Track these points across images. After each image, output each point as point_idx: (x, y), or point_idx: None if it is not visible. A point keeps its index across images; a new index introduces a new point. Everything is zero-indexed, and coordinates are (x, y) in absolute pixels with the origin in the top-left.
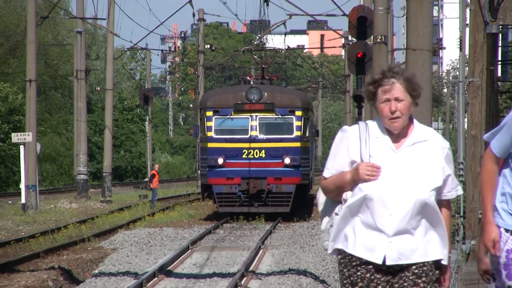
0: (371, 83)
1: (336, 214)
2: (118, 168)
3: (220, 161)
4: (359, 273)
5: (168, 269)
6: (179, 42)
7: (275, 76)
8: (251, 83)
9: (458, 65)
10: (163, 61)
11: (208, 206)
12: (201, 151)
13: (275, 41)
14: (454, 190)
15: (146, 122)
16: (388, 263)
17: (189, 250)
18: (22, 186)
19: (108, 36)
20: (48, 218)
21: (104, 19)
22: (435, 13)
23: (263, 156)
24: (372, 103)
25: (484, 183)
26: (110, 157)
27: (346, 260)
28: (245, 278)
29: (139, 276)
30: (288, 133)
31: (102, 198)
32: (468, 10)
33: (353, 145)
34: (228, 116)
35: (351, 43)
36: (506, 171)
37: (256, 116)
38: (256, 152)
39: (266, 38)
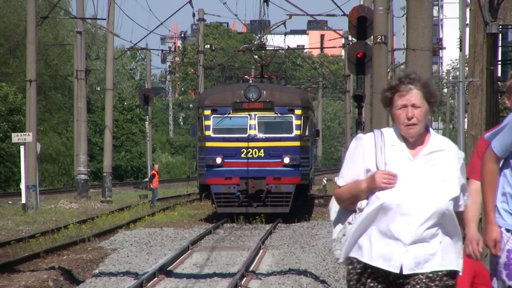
0: (388, 89)
1: (350, 223)
2: (118, 168)
3: (218, 160)
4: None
5: (168, 269)
6: (179, 42)
7: (274, 75)
8: (250, 81)
9: (458, 65)
10: (163, 61)
11: (208, 206)
12: (199, 151)
13: (275, 41)
14: (466, 200)
15: (146, 122)
16: (405, 272)
17: (189, 250)
18: (22, 186)
19: (108, 36)
20: (48, 218)
21: (104, 19)
22: (435, 13)
23: (262, 156)
24: (388, 110)
25: (485, 183)
26: (110, 157)
27: (357, 271)
28: (245, 278)
29: (139, 276)
30: (287, 132)
31: (102, 198)
32: (468, 10)
33: (368, 153)
34: (227, 115)
35: (351, 43)
36: (506, 171)
37: (255, 115)
38: (255, 152)
39: (266, 38)
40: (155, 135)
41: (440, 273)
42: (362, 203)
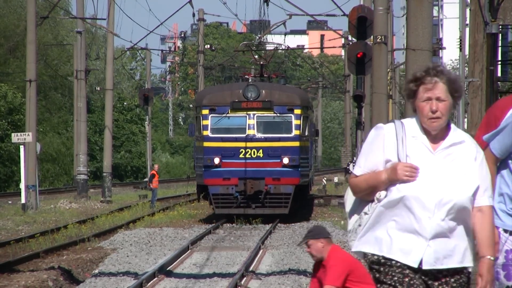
0: (413, 80)
1: (366, 213)
2: (118, 168)
3: (217, 161)
4: (395, 278)
5: (168, 269)
6: (179, 42)
7: (274, 74)
8: (249, 81)
9: (458, 65)
10: (163, 61)
11: (208, 206)
12: (196, 151)
13: (275, 41)
14: (489, 197)
15: (146, 122)
16: (424, 267)
17: (189, 250)
18: (22, 186)
19: (108, 36)
20: (48, 218)
21: (104, 19)
22: (435, 13)
23: (261, 156)
24: (411, 102)
25: None
26: (110, 157)
27: (377, 258)
28: (245, 278)
29: (139, 276)
30: (286, 132)
31: (102, 198)
32: (468, 10)
33: (389, 143)
34: (225, 115)
35: (351, 43)
36: (504, 171)
37: (254, 114)
38: (254, 152)
39: (266, 38)
40: (154, 135)
41: (462, 281)
42: (381, 194)
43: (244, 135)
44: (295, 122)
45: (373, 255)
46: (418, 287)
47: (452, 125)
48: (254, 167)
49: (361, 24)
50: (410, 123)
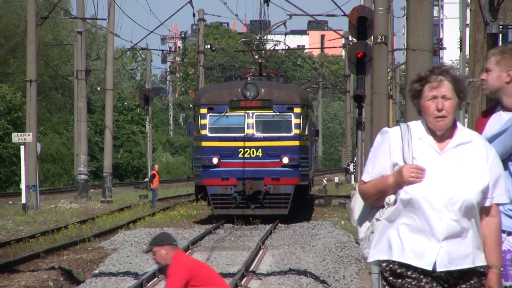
0: (418, 80)
1: (377, 219)
2: (119, 168)
3: (215, 160)
4: (407, 285)
5: None
6: (179, 42)
7: (273, 73)
8: (248, 79)
9: (458, 65)
10: (164, 61)
11: (207, 206)
12: (194, 150)
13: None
14: (499, 197)
15: (147, 123)
16: (438, 269)
17: (190, 250)
18: (23, 186)
19: (108, 36)
20: (49, 218)
21: (104, 19)
22: (435, 13)
23: (260, 156)
24: (415, 102)
25: None
26: (111, 157)
27: (392, 268)
28: (245, 278)
29: (139, 276)
30: (286, 131)
31: (102, 198)
32: (468, 10)
33: (395, 147)
34: (223, 114)
35: (351, 43)
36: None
37: (253, 113)
38: (253, 151)
39: (267, 40)
40: (155, 135)
41: (476, 271)
42: (390, 198)
43: (243, 135)
44: (294, 121)
45: (387, 265)
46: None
47: (459, 125)
48: (253, 167)
49: (361, 24)
50: (416, 125)
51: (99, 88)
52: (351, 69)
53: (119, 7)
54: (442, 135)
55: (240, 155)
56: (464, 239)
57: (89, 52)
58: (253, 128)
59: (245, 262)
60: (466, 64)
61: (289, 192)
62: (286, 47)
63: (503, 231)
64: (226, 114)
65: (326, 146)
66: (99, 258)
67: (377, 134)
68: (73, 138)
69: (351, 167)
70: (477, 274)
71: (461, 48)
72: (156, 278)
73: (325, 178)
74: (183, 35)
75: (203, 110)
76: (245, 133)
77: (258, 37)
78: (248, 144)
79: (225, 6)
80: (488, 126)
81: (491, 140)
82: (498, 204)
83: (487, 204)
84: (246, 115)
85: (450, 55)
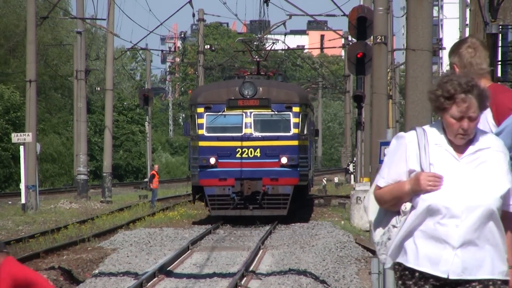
0: (446, 97)
1: (394, 226)
2: (118, 168)
3: (212, 160)
4: None
5: (168, 269)
6: (179, 43)
7: (271, 72)
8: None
9: None
10: (163, 61)
11: None
12: (192, 150)
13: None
14: None
15: (146, 123)
16: (451, 277)
17: (189, 250)
18: (22, 186)
19: (108, 36)
20: (48, 218)
21: (104, 19)
22: (435, 13)
23: (258, 156)
24: (437, 112)
25: None
26: (110, 158)
27: (407, 274)
28: (245, 278)
29: (139, 276)
30: (285, 130)
31: (102, 198)
32: (468, 10)
33: (411, 153)
34: (221, 113)
35: (351, 43)
36: None
37: (251, 112)
38: (251, 151)
39: (266, 39)
40: (155, 135)
41: (491, 282)
42: (406, 206)
43: (241, 134)
44: (293, 120)
45: (403, 269)
46: None
47: (478, 129)
48: (251, 167)
49: (361, 24)
50: (432, 130)
51: (98, 88)
52: (350, 69)
53: (119, 7)
54: None
55: (238, 155)
56: (481, 249)
57: (89, 52)
58: (251, 127)
59: (245, 262)
60: None
61: (288, 192)
62: (286, 46)
63: None
64: (223, 113)
65: (326, 147)
66: (99, 258)
67: (377, 134)
68: (73, 138)
69: (351, 167)
70: (498, 283)
71: None
72: (156, 278)
73: (325, 178)
74: (182, 35)
75: (200, 109)
76: (243, 133)
77: (258, 37)
78: (246, 143)
79: (224, 6)
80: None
81: None
82: None
83: (508, 209)
84: (244, 114)
85: None
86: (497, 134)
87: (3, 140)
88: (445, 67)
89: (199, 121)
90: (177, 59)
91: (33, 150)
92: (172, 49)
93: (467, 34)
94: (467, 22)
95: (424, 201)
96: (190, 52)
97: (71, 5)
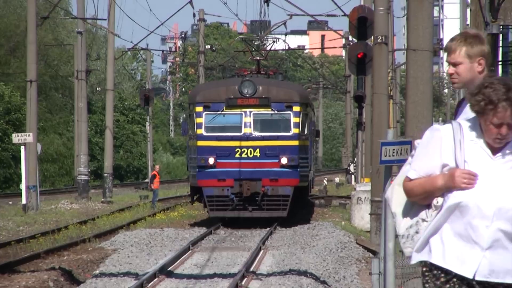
0: (487, 102)
1: (424, 220)
2: (119, 169)
3: (211, 161)
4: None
5: (168, 269)
6: (179, 43)
7: (271, 71)
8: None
9: None
10: (164, 61)
11: None
12: (190, 150)
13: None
14: None
15: (147, 123)
16: (477, 278)
17: (190, 251)
18: (23, 186)
19: (109, 37)
20: (49, 219)
21: (105, 19)
22: (435, 13)
23: (258, 156)
24: (477, 114)
25: None
26: (111, 158)
27: (433, 273)
28: (245, 278)
29: (139, 276)
30: (285, 130)
31: (102, 199)
32: (468, 11)
33: (446, 147)
34: (220, 112)
35: (351, 43)
36: None
37: (250, 111)
38: (250, 151)
39: (267, 39)
40: (155, 135)
41: None
42: (438, 201)
43: (240, 134)
44: (293, 119)
45: (430, 267)
46: None
47: None
48: (251, 168)
49: (361, 24)
50: (468, 126)
51: (99, 88)
52: (351, 69)
53: (119, 7)
54: None
55: (237, 155)
56: (510, 252)
57: (90, 52)
58: (250, 127)
59: (245, 263)
60: None
61: (288, 193)
62: (286, 46)
63: None
64: (222, 112)
65: (327, 147)
66: (100, 259)
67: (377, 134)
68: (74, 138)
69: (352, 168)
70: None
71: None
72: (156, 279)
73: (326, 179)
74: (183, 35)
75: (199, 108)
76: (242, 132)
77: (258, 37)
78: (245, 143)
79: (225, 6)
80: (462, 114)
81: None
82: None
83: None
84: (243, 113)
85: None
86: None
87: (4, 140)
88: (446, 67)
89: (198, 120)
90: (178, 59)
91: (33, 150)
92: (173, 49)
93: None
94: (468, 22)
95: (455, 198)
96: (190, 52)
97: (72, 5)
